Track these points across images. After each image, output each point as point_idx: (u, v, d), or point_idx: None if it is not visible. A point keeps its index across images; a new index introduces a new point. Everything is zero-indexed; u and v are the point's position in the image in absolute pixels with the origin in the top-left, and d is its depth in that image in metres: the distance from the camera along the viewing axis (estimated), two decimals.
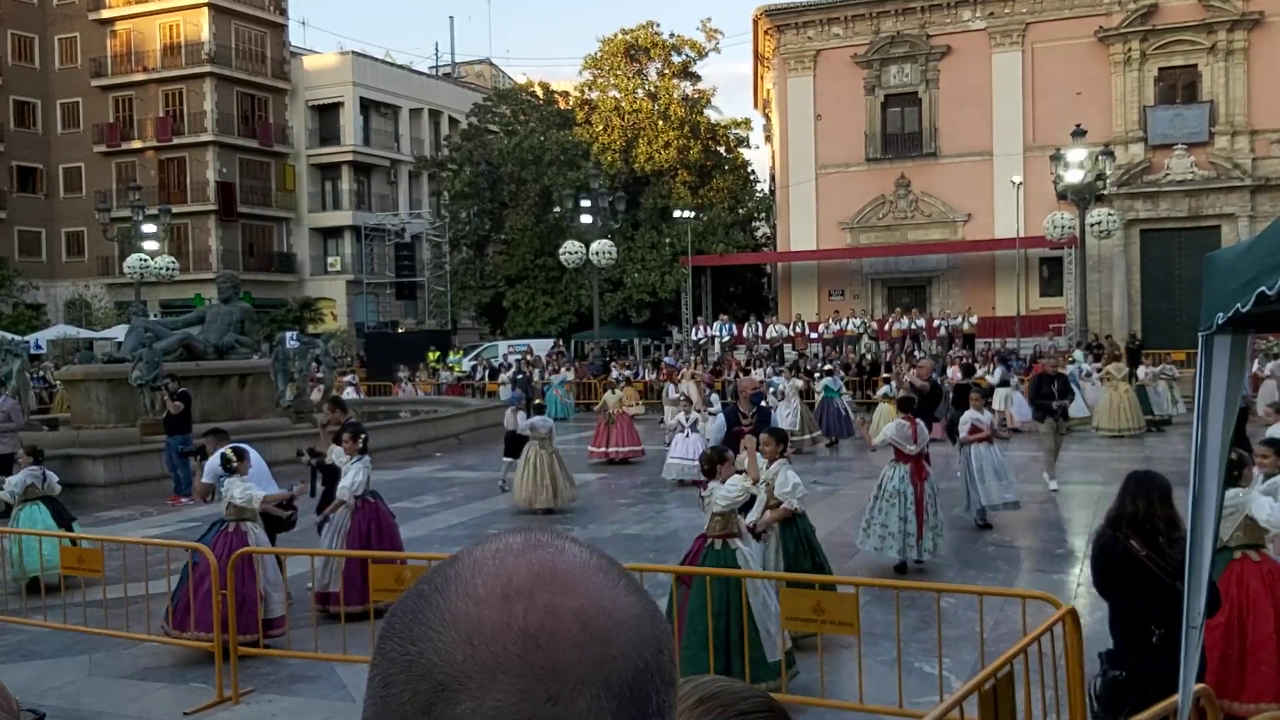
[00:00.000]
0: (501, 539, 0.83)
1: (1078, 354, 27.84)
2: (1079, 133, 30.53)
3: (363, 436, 9.89)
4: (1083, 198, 30.78)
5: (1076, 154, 30.38)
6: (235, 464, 9.00)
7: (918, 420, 11.11)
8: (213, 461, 9.81)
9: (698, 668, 6.74)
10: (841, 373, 25.87)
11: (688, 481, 16.37)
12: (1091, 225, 31.55)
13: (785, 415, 19.90)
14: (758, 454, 8.67)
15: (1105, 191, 32.99)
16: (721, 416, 11.87)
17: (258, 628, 8.31)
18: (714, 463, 7.73)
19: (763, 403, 13.49)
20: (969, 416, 13.20)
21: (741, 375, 15.98)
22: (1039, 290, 38.48)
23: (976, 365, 24.36)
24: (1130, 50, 37.21)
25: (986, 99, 38.77)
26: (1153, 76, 37.41)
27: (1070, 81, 37.39)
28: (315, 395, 23.80)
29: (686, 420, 17.44)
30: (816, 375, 25.78)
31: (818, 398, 23.14)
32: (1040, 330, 34.51)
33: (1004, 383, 22.52)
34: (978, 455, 12.84)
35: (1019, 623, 6.42)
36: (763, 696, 1.23)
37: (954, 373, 23.64)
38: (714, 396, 18.47)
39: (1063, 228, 32.09)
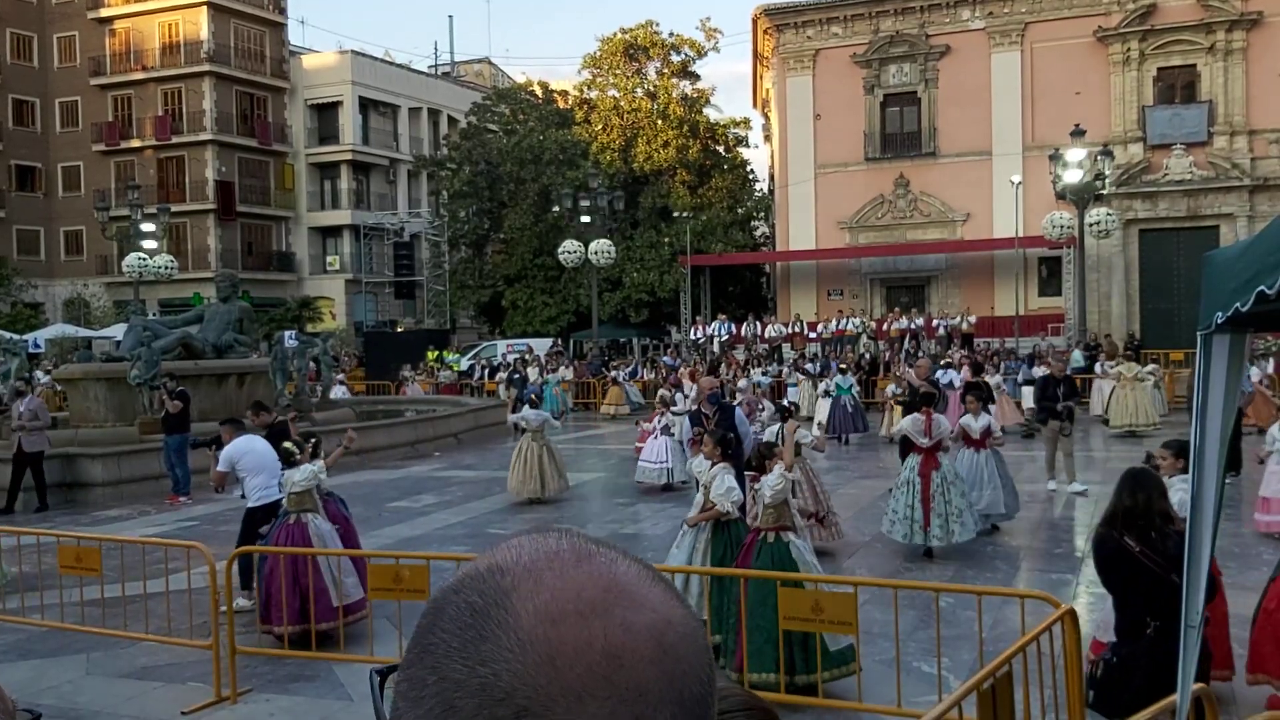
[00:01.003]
0: (541, 542, 0.80)
1: (1076, 354, 27.87)
2: (1078, 132, 30.54)
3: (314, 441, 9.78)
4: (1082, 197, 30.79)
5: (1075, 154, 30.39)
6: (298, 456, 9.12)
7: (933, 415, 11.47)
8: (229, 450, 9.94)
9: (764, 662, 6.79)
10: (850, 374, 25.98)
11: (651, 486, 16.31)
12: (1090, 225, 31.56)
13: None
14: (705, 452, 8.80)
15: (1104, 191, 32.99)
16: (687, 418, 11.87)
17: (336, 615, 8.44)
18: (764, 457, 8.16)
19: (725, 400, 13.51)
20: (963, 421, 12.86)
21: (704, 377, 15.70)
22: (1038, 290, 38.46)
23: (985, 364, 24.28)
24: (1129, 50, 37.21)
25: (986, 99, 38.76)
26: (1151, 76, 37.40)
27: (1069, 81, 37.39)
28: (315, 395, 23.83)
29: (658, 422, 17.12)
30: (822, 374, 25.92)
31: (820, 398, 23.20)
32: (1039, 330, 34.51)
33: (1029, 381, 22.65)
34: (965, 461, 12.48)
35: (1018, 622, 6.42)
36: (742, 695, 1.22)
37: (965, 372, 23.61)
38: (678, 397, 18.23)
39: (1061, 227, 32.09)
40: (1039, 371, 21.53)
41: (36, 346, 37.10)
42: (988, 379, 22.03)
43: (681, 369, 27.01)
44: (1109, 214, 32.56)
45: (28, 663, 8.44)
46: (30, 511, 15.62)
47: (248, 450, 10.23)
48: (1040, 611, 6.01)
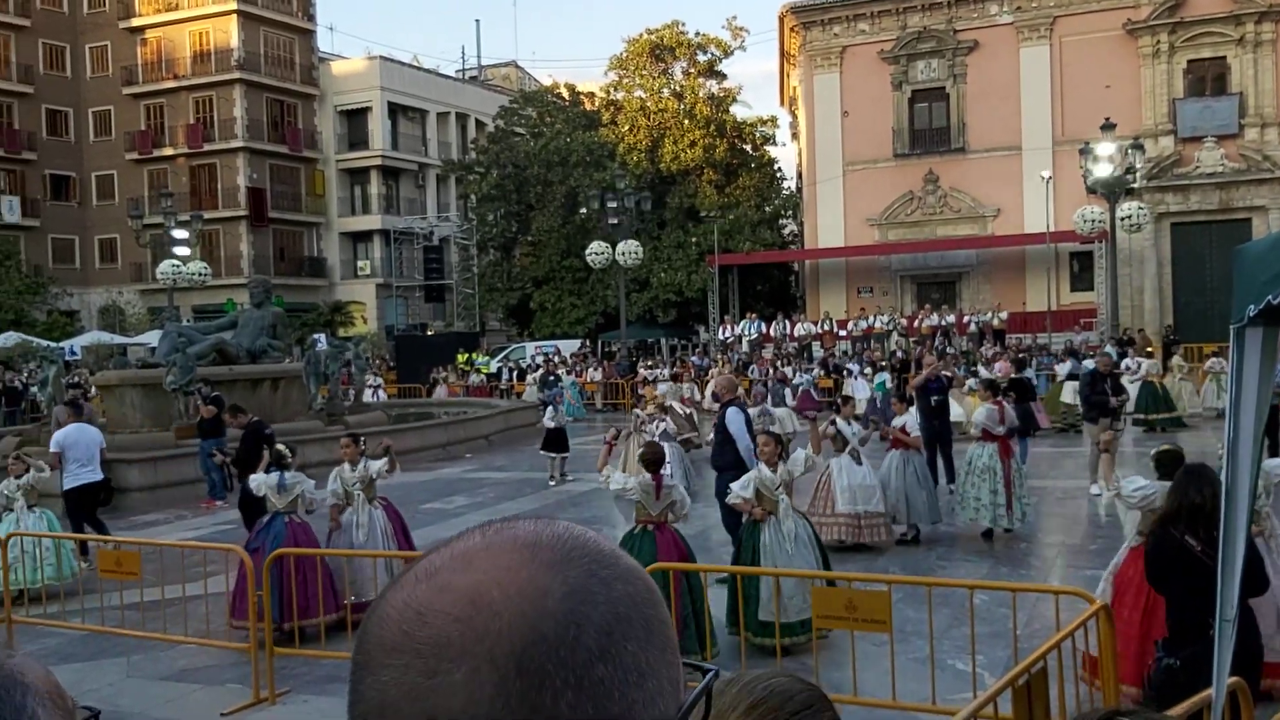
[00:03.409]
0: (485, 527, 0.85)
1: (1109, 349, 27.64)
2: (1108, 126, 30.30)
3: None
4: (1112, 191, 30.53)
5: (1106, 147, 30.15)
6: (289, 459, 9.38)
7: (1005, 405, 12.20)
8: (61, 435, 12.02)
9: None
10: (882, 371, 25.94)
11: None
12: (1121, 219, 31.30)
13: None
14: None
15: (1135, 185, 32.70)
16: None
17: (338, 608, 8.80)
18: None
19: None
20: (903, 420, 12.53)
21: (722, 376, 14.99)
22: (1069, 285, 38.20)
23: (1027, 360, 24.06)
24: (1159, 43, 36.89)
25: (1015, 93, 38.54)
26: (1181, 69, 37.07)
27: (1099, 75, 37.11)
28: (348, 399, 23.99)
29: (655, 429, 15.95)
30: (850, 373, 25.89)
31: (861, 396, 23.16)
32: (1071, 325, 34.26)
33: (1072, 376, 22.48)
34: (891, 460, 12.23)
35: (1052, 619, 6.40)
36: (808, 692, 1.24)
37: (1003, 367, 23.49)
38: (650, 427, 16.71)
39: (1093, 222, 31.85)
40: (1088, 364, 21.28)
41: (73, 354, 37.57)
42: (1029, 374, 21.88)
43: (712, 370, 26.78)
44: (1140, 208, 32.28)
45: (69, 666, 8.56)
46: None
47: (79, 438, 11.91)
48: (1075, 608, 5.99)
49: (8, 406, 29.76)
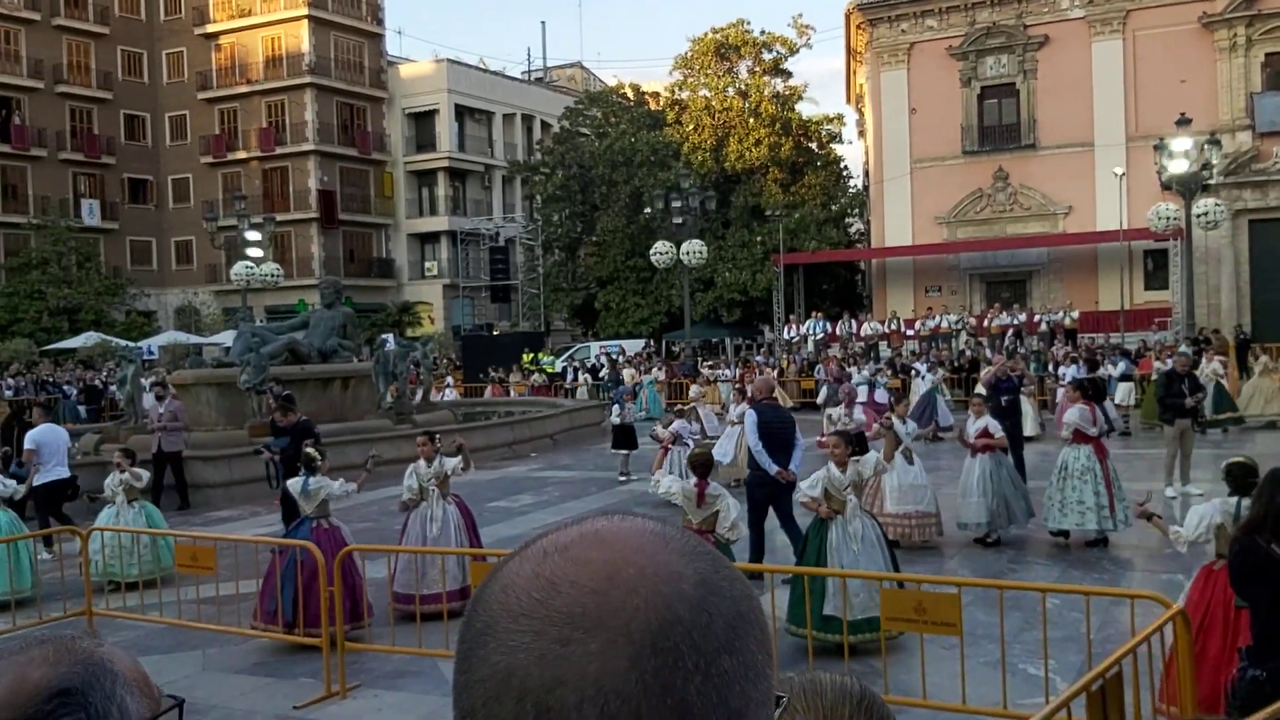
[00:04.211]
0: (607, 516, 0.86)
1: (1184, 349, 27.04)
2: (1183, 121, 29.64)
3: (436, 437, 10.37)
4: (1188, 188, 29.85)
5: (1181, 143, 29.49)
6: (319, 462, 9.29)
7: (1096, 406, 11.92)
8: (35, 434, 12.50)
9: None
10: (940, 370, 25.63)
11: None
12: (1198, 216, 30.58)
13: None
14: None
15: (1211, 181, 31.94)
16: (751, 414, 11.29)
17: (358, 617, 8.82)
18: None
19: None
20: (984, 422, 12.09)
21: (759, 377, 14.56)
22: (1143, 283, 37.45)
23: (1100, 359, 23.56)
24: (1235, 36, 36.01)
25: (1086, 89, 37.87)
26: (1259, 62, 36.14)
27: (1173, 69, 36.32)
28: (415, 398, 24.24)
29: (690, 429, 15.85)
30: (914, 373, 25.58)
31: (915, 394, 22.89)
32: (1145, 325, 33.57)
33: (1126, 376, 22.04)
34: (981, 465, 11.79)
35: (1126, 624, 6.28)
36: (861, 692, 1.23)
37: (1077, 368, 23.03)
38: (679, 425, 15.65)
39: (1168, 219, 31.19)
40: (1161, 366, 20.85)
41: (150, 353, 38.42)
42: (1105, 373, 21.42)
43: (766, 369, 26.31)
44: (1217, 204, 31.53)
45: (147, 658, 8.76)
46: (173, 510, 16.08)
47: (50, 438, 12.73)
48: (1151, 612, 5.87)
49: (89, 404, 30.53)
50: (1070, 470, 11.48)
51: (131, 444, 18.64)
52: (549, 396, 32.37)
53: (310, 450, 9.43)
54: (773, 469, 10.21)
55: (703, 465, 8.41)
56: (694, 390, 20.99)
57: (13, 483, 11.30)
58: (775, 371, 28.53)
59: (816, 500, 8.51)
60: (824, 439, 13.24)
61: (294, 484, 9.42)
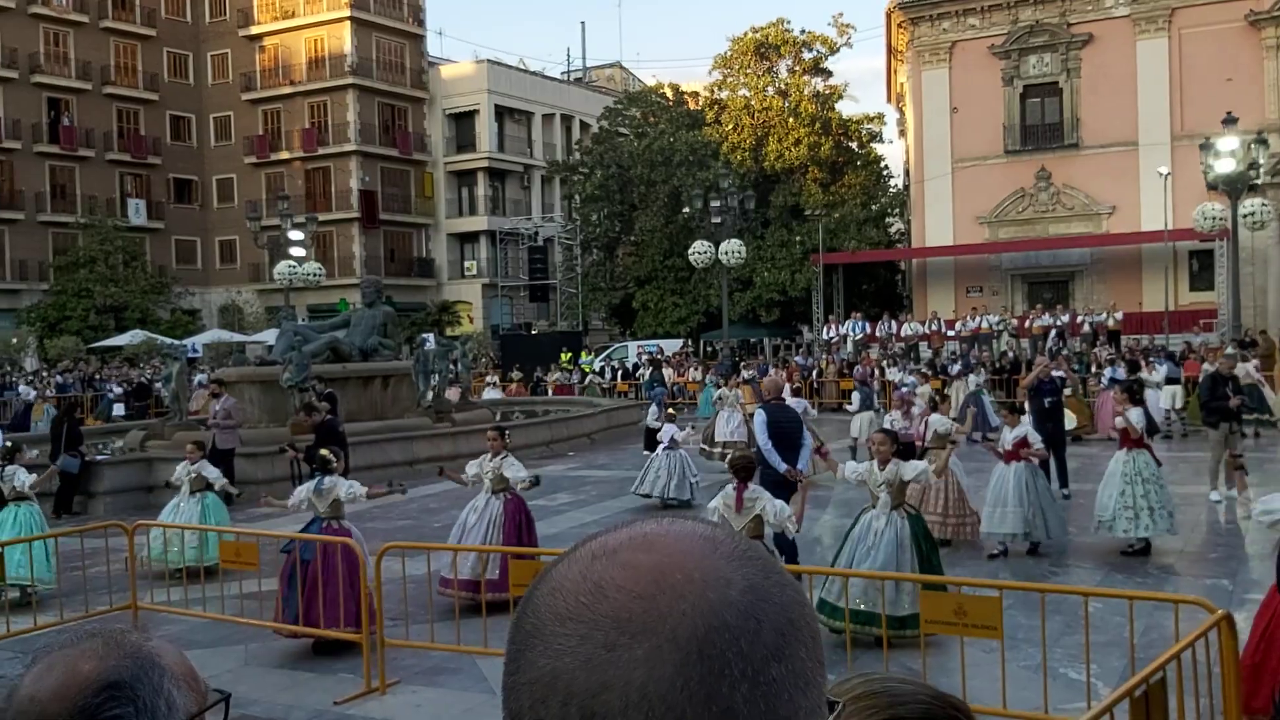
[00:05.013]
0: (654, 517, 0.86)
1: (1230, 351, 26.64)
2: (1230, 120, 29.21)
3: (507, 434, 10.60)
4: (1234, 188, 29.40)
5: (1227, 142, 29.05)
6: (334, 464, 9.24)
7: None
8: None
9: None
10: (983, 370, 25.43)
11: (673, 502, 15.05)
12: (1244, 216, 30.13)
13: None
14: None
15: (1258, 181, 31.43)
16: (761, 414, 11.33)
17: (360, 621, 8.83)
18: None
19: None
20: (1023, 431, 11.78)
21: (767, 378, 14.44)
22: (1188, 284, 36.97)
23: (1142, 361, 23.28)
24: None
25: (1131, 87, 37.44)
26: None
27: (1219, 67, 35.82)
28: (453, 396, 24.39)
29: (680, 434, 15.64)
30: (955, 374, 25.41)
31: (958, 397, 22.68)
32: (1189, 326, 33.13)
33: (1172, 379, 21.75)
34: (1016, 474, 11.43)
35: (1170, 629, 6.20)
36: (925, 703, 1.21)
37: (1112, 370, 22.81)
38: (669, 431, 15.69)
39: (1213, 219, 30.77)
40: (1208, 367, 20.52)
41: (194, 351, 38.87)
42: (1146, 376, 21.08)
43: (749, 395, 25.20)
44: (1264, 204, 31.06)
45: (190, 653, 8.66)
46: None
47: None
48: (1195, 618, 5.80)
49: (137, 401, 30.97)
50: (1141, 476, 11.19)
51: (177, 440, 18.98)
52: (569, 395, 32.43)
53: (324, 451, 9.41)
54: (782, 467, 10.42)
55: (743, 469, 8.31)
56: (719, 392, 20.83)
57: (32, 476, 11.35)
58: (815, 372, 28.48)
59: (844, 480, 8.98)
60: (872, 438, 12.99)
61: (306, 484, 9.34)
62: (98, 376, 33.96)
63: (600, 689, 0.73)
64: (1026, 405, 14.04)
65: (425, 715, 7.41)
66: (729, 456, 8.85)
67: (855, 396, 19.95)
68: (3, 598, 9.55)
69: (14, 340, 43.27)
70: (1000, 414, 12.34)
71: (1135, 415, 11.42)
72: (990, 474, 11.90)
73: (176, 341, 30.22)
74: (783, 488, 10.53)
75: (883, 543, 8.38)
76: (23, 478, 11.13)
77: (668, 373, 32.03)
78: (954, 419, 13.67)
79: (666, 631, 0.74)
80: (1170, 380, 22.27)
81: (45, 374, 34.86)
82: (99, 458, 18.14)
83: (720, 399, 19.60)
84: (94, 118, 52.53)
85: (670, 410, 17.60)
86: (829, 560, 11.73)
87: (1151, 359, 24.24)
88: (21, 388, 30.46)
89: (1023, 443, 11.55)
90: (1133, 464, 11.24)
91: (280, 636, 8.88)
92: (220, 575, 9.69)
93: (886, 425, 14.49)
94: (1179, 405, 22.47)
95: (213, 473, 12.06)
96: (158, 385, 27.84)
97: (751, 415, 15.08)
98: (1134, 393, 12.13)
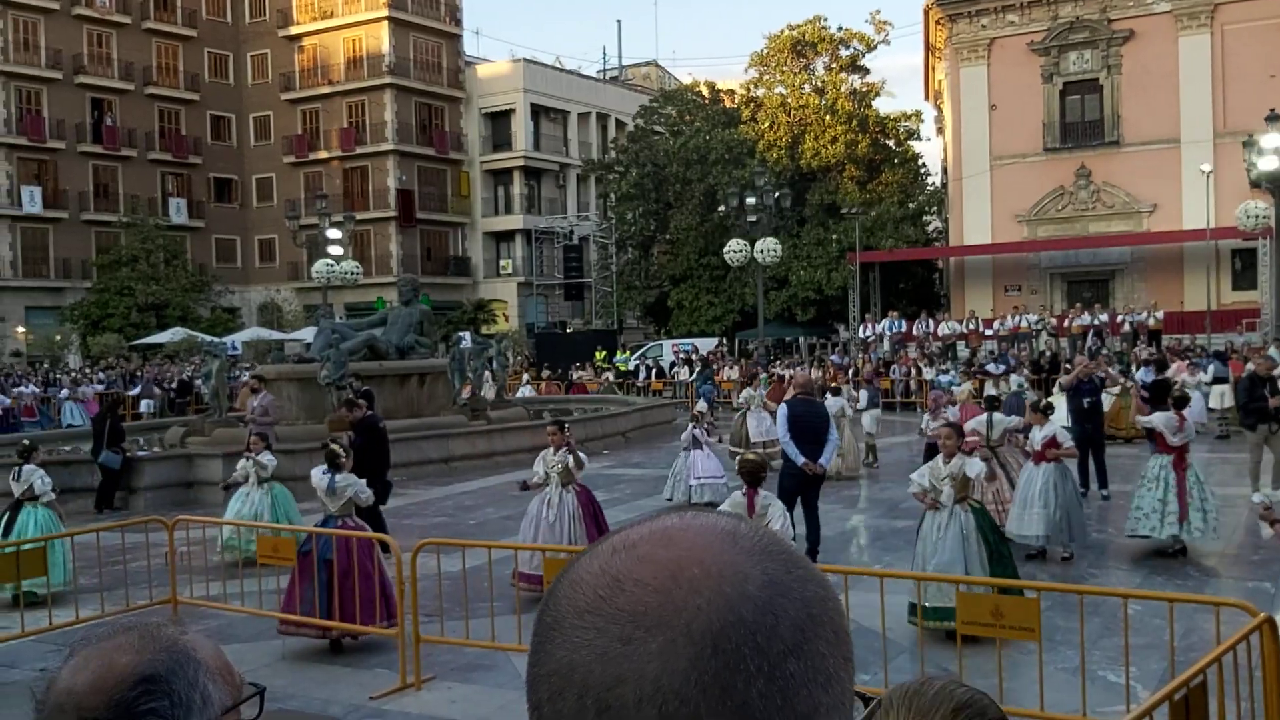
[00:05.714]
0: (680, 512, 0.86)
1: (1273, 351, 26.26)
2: (1273, 117, 28.77)
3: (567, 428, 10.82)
4: (1278, 185, 29.00)
5: (1271, 139, 28.61)
6: (342, 459, 9.17)
7: (1185, 416, 11.53)
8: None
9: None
10: (1024, 370, 25.20)
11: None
12: None
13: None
14: None
15: None
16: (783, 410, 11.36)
17: (389, 615, 8.81)
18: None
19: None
20: (1051, 430, 11.59)
21: (798, 372, 14.48)
22: (1230, 283, 36.47)
23: (1176, 362, 22.98)
24: None
25: (1173, 84, 36.99)
26: None
27: (1263, 64, 35.32)
28: (489, 394, 24.48)
29: (704, 435, 15.76)
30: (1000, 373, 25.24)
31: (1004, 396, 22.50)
32: (1232, 326, 32.68)
33: (1219, 379, 21.48)
34: (1045, 475, 11.23)
35: (1211, 632, 6.13)
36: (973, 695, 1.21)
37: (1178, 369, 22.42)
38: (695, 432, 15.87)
39: (1257, 217, 30.34)
40: (1250, 367, 20.21)
41: (234, 349, 39.28)
42: (1188, 378, 20.79)
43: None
44: None
45: (228, 647, 8.80)
46: None
47: None
48: (1236, 621, 5.72)
49: (179, 398, 31.36)
50: (1145, 478, 11.33)
51: (217, 437, 19.18)
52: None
53: (334, 446, 9.33)
54: (799, 460, 10.48)
55: (752, 474, 8.14)
56: (744, 393, 20.72)
57: (50, 480, 11.38)
58: (851, 370, 28.28)
59: (924, 490, 8.72)
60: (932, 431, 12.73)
61: (319, 482, 9.09)
62: (138, 374, 34.37)
63: (615, 682, 0.74)
64: (1053, 404, 13.93)
65: (459, 711, 7.45)
66: (737, 460, 8.70)
67: (862, 395, 19.94)
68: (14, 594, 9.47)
69: (58, 337, 43.92)
70: (1032, 417, 12.10)
71: (1160, 419, 11.32)
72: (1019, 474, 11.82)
73: (217, 339, 30.55)
74: (802, 480, 10.71)
75: (948, 535, 8.43)
76: (41, 485, 11.01)
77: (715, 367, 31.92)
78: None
79: (681, 625, 0.74)
80: (1218, 379, 21.99)
81: (88, 370, 35.29)
82: (140, 454, 18.36)
83: (747, 399, 19.59)
84: (136, 118, 53.16)
85: (700, 411, 17.56)
86: (864, 560, 11.70)
87: (1194, 360, 23.94)
88: (83, 387, 30.46)
89: (1051, 442, 11.37)
90: (1166, 468, 11.20)
91: (295, 634, 8.83)
92: (259, 570, 9.79)
93: (922, 426, 14.45)
94: (1227, 405, 22.17)
95: (271, 462, 12.37)
96: (198, 382, 28.15)
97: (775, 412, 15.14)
98: (1168, 398, 12.02)
